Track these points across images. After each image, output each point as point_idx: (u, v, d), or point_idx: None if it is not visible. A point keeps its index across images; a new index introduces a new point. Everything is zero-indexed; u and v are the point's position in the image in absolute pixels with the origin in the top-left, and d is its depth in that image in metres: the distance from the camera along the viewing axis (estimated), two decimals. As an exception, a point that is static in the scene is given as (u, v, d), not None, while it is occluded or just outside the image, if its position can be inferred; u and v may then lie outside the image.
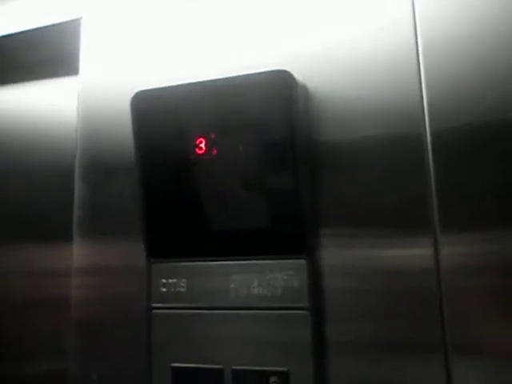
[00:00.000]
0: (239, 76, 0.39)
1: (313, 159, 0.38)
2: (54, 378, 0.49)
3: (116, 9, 0.48)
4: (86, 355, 0.44)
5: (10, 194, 0.56)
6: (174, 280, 0.40)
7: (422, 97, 0.36)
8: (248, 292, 0.38)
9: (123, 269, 0.44)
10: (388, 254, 0.36)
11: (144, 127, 0.41)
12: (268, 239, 0.38)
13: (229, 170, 0.39)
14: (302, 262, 0.37)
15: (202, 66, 0.44)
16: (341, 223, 0.37)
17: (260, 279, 0.38)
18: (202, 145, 0.39)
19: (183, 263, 0.40)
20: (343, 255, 0.37)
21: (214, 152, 0.39)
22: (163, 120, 0.40)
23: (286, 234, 0.37)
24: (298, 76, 0.38)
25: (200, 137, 0.39)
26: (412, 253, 0.35)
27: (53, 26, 0.50)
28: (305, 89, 0.39)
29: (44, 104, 0.56)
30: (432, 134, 0.36)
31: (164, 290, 0.40)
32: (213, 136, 0.39)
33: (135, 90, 0.41)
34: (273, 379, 0.36)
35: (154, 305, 0.40)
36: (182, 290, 0.39)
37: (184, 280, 0.40)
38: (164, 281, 0.40)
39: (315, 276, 0.37)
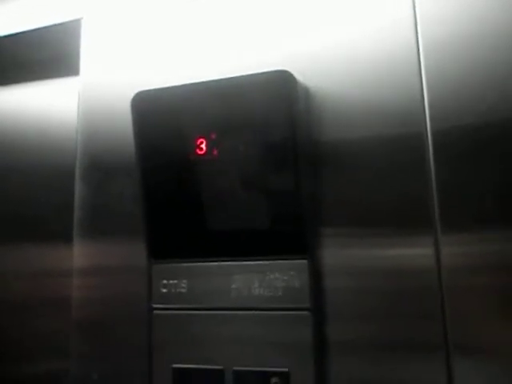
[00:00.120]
0: (240, 76, 0.39)
1: (313, 159, 0.38)
2: (54, 378, 0.49)
3: (116, 9, 0.48)
4: (87, 355, 0.44)
5: (10, 194, 0.56)
6: (175, 281, 0.40)
7: (422, 96, 0.36)
8: (249, 292, 0.38)
9: (124, 269, 0.44)
10: (389, 254, 0.36)
11: (144, 127, 0.41)
12: (269, 239, 0.38)
13: (230, 171, 0.39)
14: (303, 262, 0.37)
15: (202, 66, 0.44)
16: (342, 223, 0.37)
17: (261, 280, 0.38)
18: (203, 145, 0.39)
19: (184, 264, 0.40)
20: (344, 255, 0.37)
21: (215, 152, 0.39)
22: (164, 120, 0.40)
23: (287, 234, 0.37)
24: (298, 76, 0.38)
25: (201, 137, 0.39)
26: (413, 252, 0.35)
27: (53, 26, 0.50)
28: (305, 89, 0.39)
29: (45, 104, 0.56)
30: (433, 134, 0.36)
31: (165, 290, 0.40)
32: (213, 136, 0.39)
33: (136, 91, 0.41)
34: (274, 380, 0.36)
35: (155, 305, 0.40)
36: (183, 290, 0.39)
37: (185, 281, 0.40)
38: (165, 281, 0.40)
39: (316, 276, 0.37)
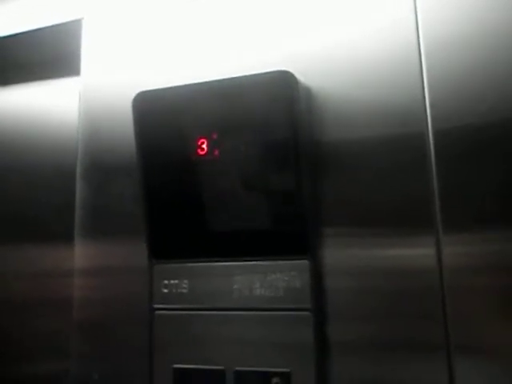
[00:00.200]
0: (241, 76, 0.39)
1: (315, 159, 0.38)
2: (54, 378, 0.49)
3: (117, 9, 0.49)
4: (88, 355, 0.44)
5: (11, 194, 0.56)
6: (176, 281, 0.40)
7: (424, 96, 0.36)
8: (250, 293, 0.38)
9: (125, 269, 0.44)
10: (390, 254, 0.36)
11: (145, 128, 0.41)
12: (270, 240, 0.38)
13: (231, 171, 0.39)
14: (305, 262, 0.37)
15: (204, 67, 0.44)
16: (343, 223, 0.37)
17: (262, 280, 0.37)
18: (204, 145, 0.39)
19: (185, 264, 0.40)
20: (345, 255, 0.37)
21: (216, 152, 0.39)
22: (165, 120, 0.40)
23: (288, 234, 0.37)
24: (299, 76, 0.38)
25: (202, 137, 0.39)
26: (414, 252, 0.35)
27: (54, 26, 0.50)
28: (307, 89, 0.39)
29: (45, 105, 0.56)
30: (434, 134, 0.36)
31: (166, 290, 0.40)
32: (215, 137, 0.39)
33: (137, 91, 0.41)
34: (275, 380, 0.36)
35: (156, 306, 0.40)
36: (184, 290, 0.39)
37: (186, 281, 0.40)
38: (166, 282, 0.40)
39: (317, 276, 0.37)
